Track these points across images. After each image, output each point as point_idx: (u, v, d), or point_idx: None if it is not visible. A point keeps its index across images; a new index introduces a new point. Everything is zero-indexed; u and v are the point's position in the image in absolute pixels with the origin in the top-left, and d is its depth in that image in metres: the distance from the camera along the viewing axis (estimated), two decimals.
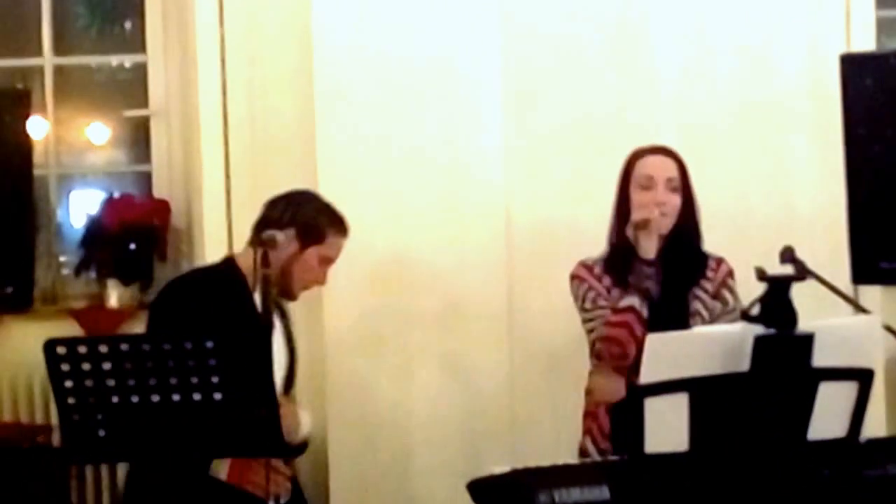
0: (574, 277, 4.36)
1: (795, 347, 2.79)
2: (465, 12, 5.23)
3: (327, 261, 4.19)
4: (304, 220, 4.14)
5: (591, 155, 5.14)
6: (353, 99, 5.21)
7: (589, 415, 4.33)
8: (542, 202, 5.23)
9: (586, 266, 4.36)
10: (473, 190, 5.24)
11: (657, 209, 4.21)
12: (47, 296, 5.89)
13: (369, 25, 5.22)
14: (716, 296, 4.30)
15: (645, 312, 4.16)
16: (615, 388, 4.17)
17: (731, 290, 4.32)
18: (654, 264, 4.23)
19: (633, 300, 4.18)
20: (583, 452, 4.29)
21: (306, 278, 4.17)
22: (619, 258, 4.29)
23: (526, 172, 5.25)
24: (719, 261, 4.37)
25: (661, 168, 4.29)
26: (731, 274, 4.34)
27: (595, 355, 4.30)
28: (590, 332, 4.28)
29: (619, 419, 4.17)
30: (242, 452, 3.69)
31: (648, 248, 4.22)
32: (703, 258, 4.36)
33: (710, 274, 4.33)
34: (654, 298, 4.20)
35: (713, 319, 4.24)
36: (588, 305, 4.29)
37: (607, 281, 4.30)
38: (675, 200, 4.27)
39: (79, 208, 6.19)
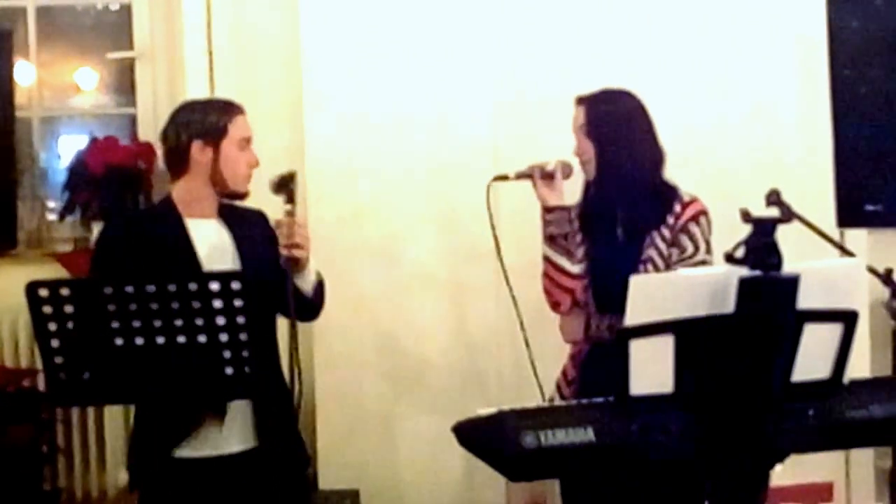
0: (705, 214, 4.13)
1: (780, 289, 2.78)
2: None
3: (244, 142, 4.09)
4: (202, 126, 4.04)
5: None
6: (341, 40, 5.20)
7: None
8: (529, 150, 5.20)
9: None
10: (461, 142, 5.24)
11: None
12: (32, 239, 5.89)
13: None
14: (673, 242, 4.04)
15: None
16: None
17: (692, 237, 4.06)
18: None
19: None
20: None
21: (238, 171, 4.07)
22: None
23: (513, 121, 5.23)
24: (686, 204, 4.08)
25: (574, 119, 4.18)
26: (695, 218, 4.07)
27: None
28: None
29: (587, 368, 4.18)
30: (225, 396, 3.69)
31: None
32: (660, 203, 4.10)
33: (670, 220, 4.06)
34: None
35: (668, 267, 4.00)
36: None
37: None
38: (586, 146, 4.15)
39: (63, 152, 6.17)
